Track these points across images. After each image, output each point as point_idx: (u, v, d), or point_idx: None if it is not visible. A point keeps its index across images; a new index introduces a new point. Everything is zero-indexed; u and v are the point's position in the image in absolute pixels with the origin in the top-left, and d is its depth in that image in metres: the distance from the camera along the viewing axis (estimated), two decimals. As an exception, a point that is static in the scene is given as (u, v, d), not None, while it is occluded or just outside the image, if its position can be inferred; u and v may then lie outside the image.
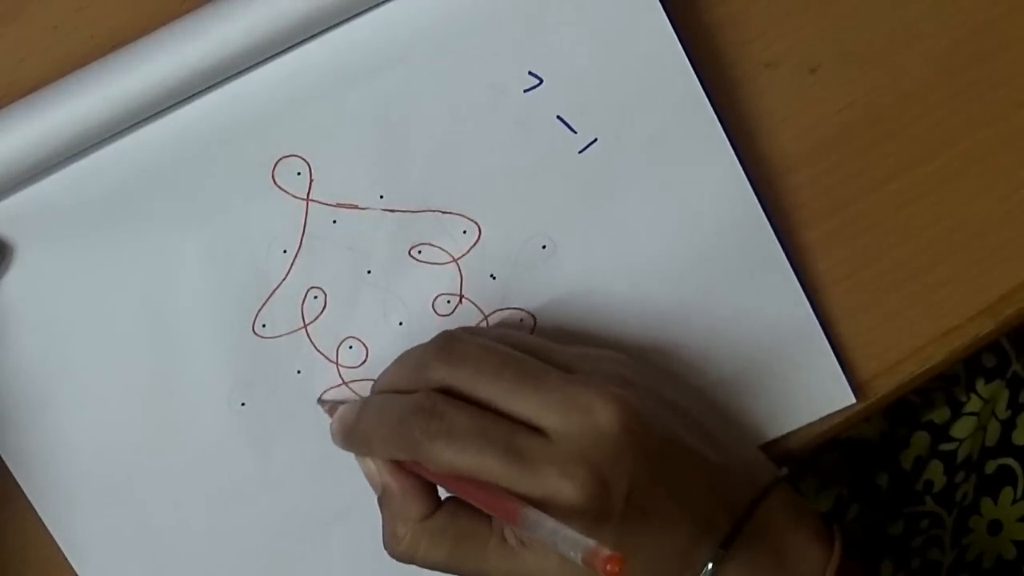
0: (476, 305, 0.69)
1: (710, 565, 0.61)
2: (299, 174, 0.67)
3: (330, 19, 0.65)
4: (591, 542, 0.53)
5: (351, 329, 0.69)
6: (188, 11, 0.64)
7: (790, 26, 0.69)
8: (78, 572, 0.69)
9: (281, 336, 0.69)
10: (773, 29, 0.69)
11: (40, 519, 0.69)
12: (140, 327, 0.68)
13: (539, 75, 0.67)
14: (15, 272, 0.67)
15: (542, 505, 0.58)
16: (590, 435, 0.60)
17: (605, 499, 0.59)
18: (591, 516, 0.59)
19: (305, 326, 0.69)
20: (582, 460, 0.60)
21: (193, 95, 0.66)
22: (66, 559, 0.69)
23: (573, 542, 0.54)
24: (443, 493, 0.65)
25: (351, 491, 0.70)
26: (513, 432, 0.61)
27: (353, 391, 0.69)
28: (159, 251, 0.68)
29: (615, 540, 0.60)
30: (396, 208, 0.68)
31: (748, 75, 0.69)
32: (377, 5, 0.66)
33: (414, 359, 0.66)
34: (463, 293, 0.69)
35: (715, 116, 0.67)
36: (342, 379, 0.69)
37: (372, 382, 0.69)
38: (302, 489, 0.70)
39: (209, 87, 0.66)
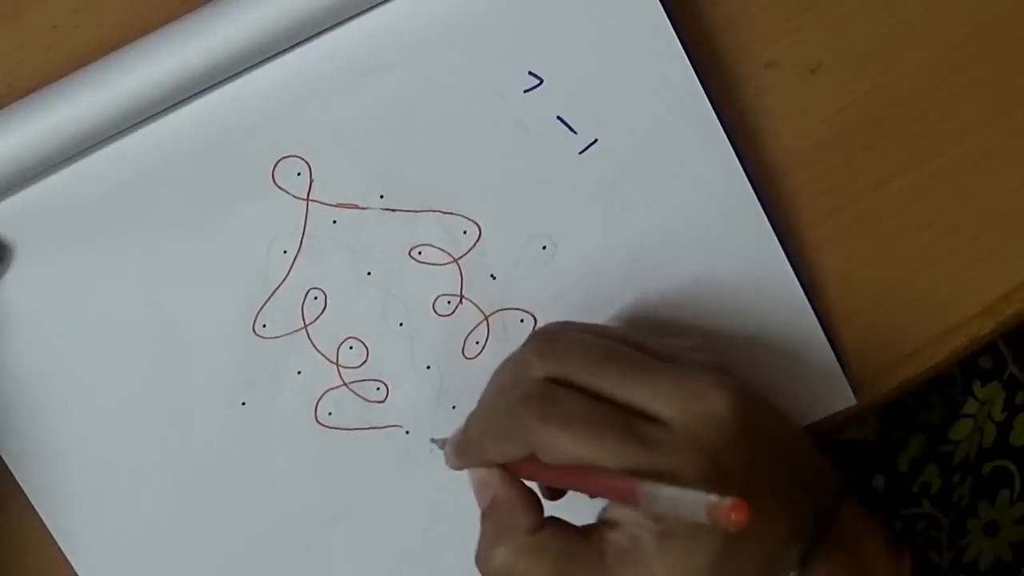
0: (476, 305, 0.69)
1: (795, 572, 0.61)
2: (299, 174, 0.67)
3: (330, 19, 0.65)
4: (713, 496, 0.51)
5: (351, 329, 0.69)
6: (188, 11, 0.64)
7: (790, 26, 0.69)
8: (78, 572, 0.69)
9: (281, 336, 0.69)
10: (773, 29, 0.69)
11: (40, 519, 0.69)
12: (140, 327, 0.68)
13: (539, 75, 0.67)
14: (15, 272, 0.67)
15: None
16: (706, 421, 0.59)
17: (722, 486, 0.57)
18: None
19: (305, 326, 0.69)
20: (699, 447, 0.58)
21: (193, 95, 0.66)
22: (66, 559, 0.69)
23: (696, 501, 0.52)
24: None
25: (351, 491, 0.70)
26: (630, 417, 0.59)
27: (353, 391, 0.69)
28: (159, 251, 0.68)
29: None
30: (396, 208, 0.68)
31: (748, 75, 0.69)
32: (377, 5, 0.66)
33: (512, 363, 0.64)
34: (463, 293, 0.69)
35: (715, 116, 0.67)
36: (342, 380, 0.69)
37: (373, 382, 0.69)
38: (302, 489, 0.70)
39: (209, 87, 0.66)
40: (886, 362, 0.71)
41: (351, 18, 0.66)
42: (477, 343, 0.69)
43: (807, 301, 0.70)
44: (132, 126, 0.66)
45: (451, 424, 0.69)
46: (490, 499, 0.62)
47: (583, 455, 0.58)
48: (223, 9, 0.64)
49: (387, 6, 0.66)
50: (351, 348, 0.69)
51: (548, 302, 0.69)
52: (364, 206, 0.68)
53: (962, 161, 0.70)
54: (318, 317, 0.69)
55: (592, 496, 0.60)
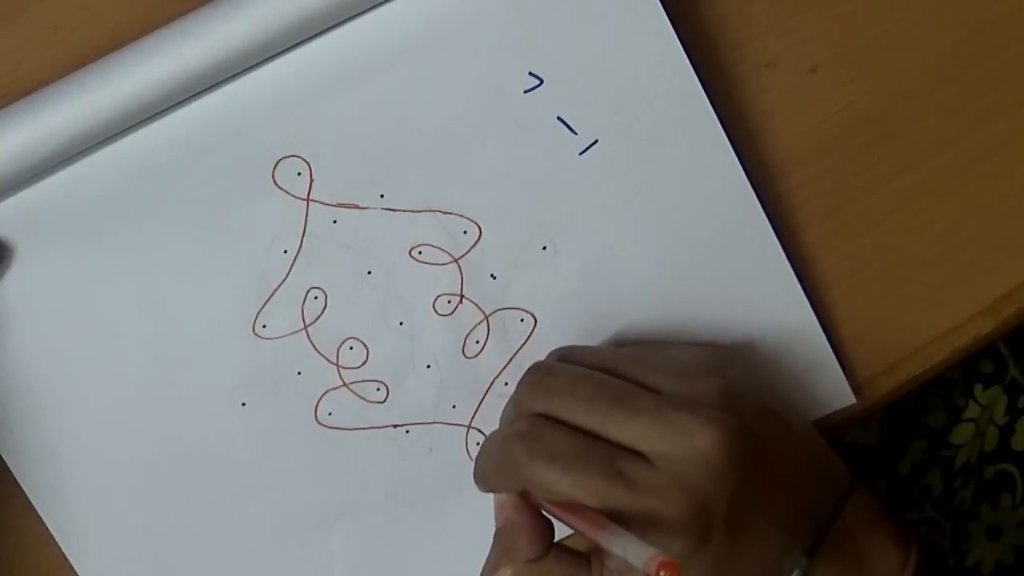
0: (477, 305, 0.69)
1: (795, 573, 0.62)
2: (299, 174, 0.67)
3: (330, 19, 0.65)
4: (651, 550, 0.53)
5: (351, 330, 0.69)
6: (188, 11, 0.64)
7: (790, 26, 0.69)
8: (78, 572, 0.69)
9: (281, 337, 0.69)
10: (773, 29, 0.69)
11: (40, 519, 0.69)
12: (140, 327, 0.68)
13: (539, 76, 0.67)
14: (15, 272, 0.67)
15: (643, 526, 0.59)
16: (691, 459, 0.60)
17: (705, 523, 0.60)
18: (692, 539, 0.59)
19: (306, 327, 0.69)
20: (683, 486, 0.60)
21: (193, 95, 0.66)
22: (66, 559, 0.69)
23: (638, 552, 0.54)
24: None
25: (351, 491, 0.70)
26: (614, 455, 0.61)
27: (353, 392, 0.69)
28: (159, 251, 0.68)
29: (713, 561, 0.60)
30: (396, 208, 0.68)
31: (748, 75, 0.69)
32: (377, 5, 0.66)
33: (512, 402, 0.66)
34: (463, 293, 0.69)
35: (715, 116, 0.67)
36: (342, 380, 0.69)
37: (373, 383, 0.69)
38: (302, 489, 0.70)
39: (209, 87, 0.66)
40: (886, 362, 0.71)
41: (351, 18, 0.66)
42: (477, 343, 0.69)
43: (807, 301, 0.70)
44: (132, 126, 0.66)
45: (450, 422, 0.69)
46: (503, 522, 0.64)
47: (569, 492, 0.60)
48: (223, 9, 0.64)
49: (387, 6, 0.66)
50: (351, 348, 0.69)
51: (548, 302, 0.69)
52: (364, 206, 0.68)
53: (962, 161, 0.70)
54: (318, 317, 0.69)
55: (576, 530, 0.61)
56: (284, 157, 0.67)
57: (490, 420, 0.70)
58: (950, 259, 0.71)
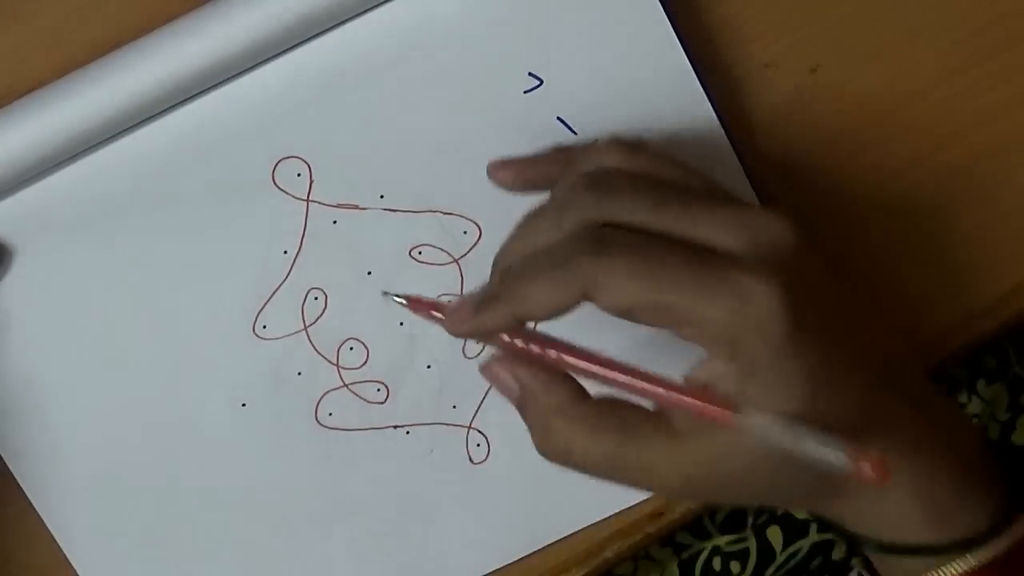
0: (477, 305, 0.69)
1: None
2: (299, 175, 0.67)
3: (330, 20, 0.65)
4: (847, 445, 0.48)
5: (351, 330, 0.69)
6: (188, 11, 0.64)
7: (790, 26, 0.69)
8: (78, 572, 0.70)
9: (282, 338, 0.69)
10: (773, 29, 0.69)
11: (40, 519, 0.69)
12: (140, 328, 0.68)
13: (539, 76, 0.67)
14: (15, 273, 0.67)
15: (733, 322, 0.52)
16: (773, 249, 0.53)
17: (800, 310, 0.52)
18: (791, 322, 0.52)
19: (306, 327, 0.69)
20: (772, 268, 0.52)
21: (193, 95, 0.66)
22: (66, 559, 0.69)
23: (823, 447, 0.49)
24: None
25: (351, 492, 0.70)
26: (695, 248, 0.53)
27: (354, 392, 0.69)
28: (159, 252, 0.68)
29: (816, 355, 0.53)
30: (396, 208, 0.68)
31: (748, 75, 0.69)
32: (377, 5, 0.66)
33: (555, 203, 0.57)
34: (464, 293, 0.69)
35: (715, 116, 0.67)
36: (342, 381, 0.69)
37: (373, 383, 0.69)
38: (302, 490, 0.70)
39: (209, 87, 0.66)
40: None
41: (351, 18, 0.66)
42: (478, 343, 0.69)
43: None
44: (132, 126, 0.66)
45: (450, 422, 0.69)
46: (518, 386, 0.57)
47: (647, 290, 0.52)
48: (223, 9, 0.64)
49: (387, 6, 0.66)
50: (351, 349, 0.69)
51: (548, 302, 0.69)
52: (364, 206, 0.68)
53: (962, 161, 0.70)
54: (318, 318, 0.69)
55: (664, 405, 0.55)
56: (284, 158, 0.67)
57: (490, 420, 0.70)
58: (950, 259, 0.71)
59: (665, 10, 0.66)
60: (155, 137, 0.66)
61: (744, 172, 0.68)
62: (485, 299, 0.56)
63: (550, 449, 0.56)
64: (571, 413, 0.55)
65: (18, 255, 0.67)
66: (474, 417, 0.70)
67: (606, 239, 0.53)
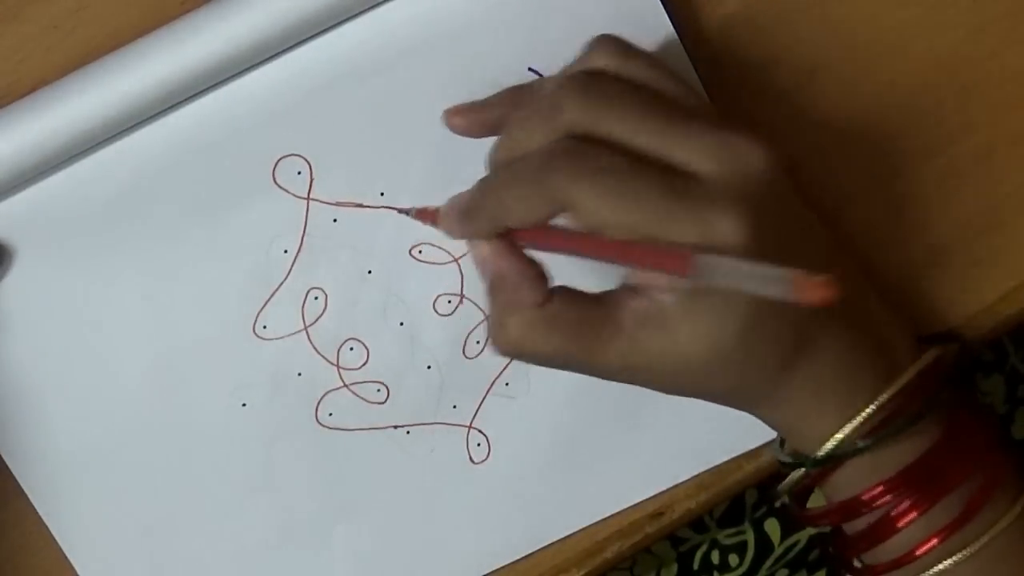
0: (477, 305, 0.69)
1: None
2: (299, 173, 0.67)
3: (330, 19, 0.65)
4: (794, 270, 0.49)
5: (352, 330, 0.69)
6: (188, 11, 0.64)
7: (790, 26, 0.69)
8: (78, 572, 0.70)
9: (282, 338, 0.69)
10: (773, 29, 0.69)
11: (40, 519, 0.69)
12: (140, 328, 0.68)
13: (540, 73, 0.67)
14: (15, 273, 0.67)
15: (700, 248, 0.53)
16: (744, 176, 0.55)
17: (763, 240, 0.54)
18: (752, 255, 0.54)
19: (306, 327, 0.69)
20: (740, 198, 0.54)
21: (193, 95, 0.66)
22: (66, 559, 0.69)
23: (768, 276, 0.50)
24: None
25: (351, 492, 0.70)
26: (665, 171, 0.55)
27: (354, 392, 0.69)
28: (159, 252, 0.68)
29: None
30: (397, 207, 0.68)
31: (748, 75, 0.69)
32: (377, 5, 0.66)
33: (545, 103, 0.57)
34: (464, 293, 0.69)
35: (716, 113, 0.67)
36: (343, 381, 0.69)
37: (373, 383, 0.69)
38: (302, 490, 0.70)
39: (209, 87, 0.66)
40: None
41: (351, 18, 0.66)
42: (478, 343, 0.70)
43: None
44: (132, 126, 0.66)
45: (450, 422, 0.69)
46: (493, 274, 0.59)
47: (618, 214, 0.54)
48: (223, 9, 0.64)
49: (387, 6, 0.66)
50: (351, 349, 0.69)
51: (548, 302, 0.69)
52: (365, 205, 0.68)
53: (962, 161, 0.70)
54: (318, 318, 0.69)
55: (622, 263, 0.57)
56: (284, 156, 0.67)
57: (491, 421, 0.70)
58: (950, 259, 0.71)
59: (666, 10, 0.66)
60: (155, 137, 0.66)
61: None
62: (470, 206, 0.59)
63: (502, 343, 0.59)
64: (530, 314, 0.58)
65: (18, 255, 0.67)
66: (474, 417, 0.70)
67: (586, 158, 0.55)
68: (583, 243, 0.56)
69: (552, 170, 0.55)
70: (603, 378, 0.59)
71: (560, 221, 0.56)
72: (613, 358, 0.58)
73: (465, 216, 0.59)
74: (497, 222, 0.57)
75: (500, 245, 0.58)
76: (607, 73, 0.58)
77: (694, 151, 0.55)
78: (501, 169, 0.58)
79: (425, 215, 0.62)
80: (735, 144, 0.55)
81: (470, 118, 0.62)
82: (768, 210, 0.55)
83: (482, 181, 0.59)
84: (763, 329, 0.57)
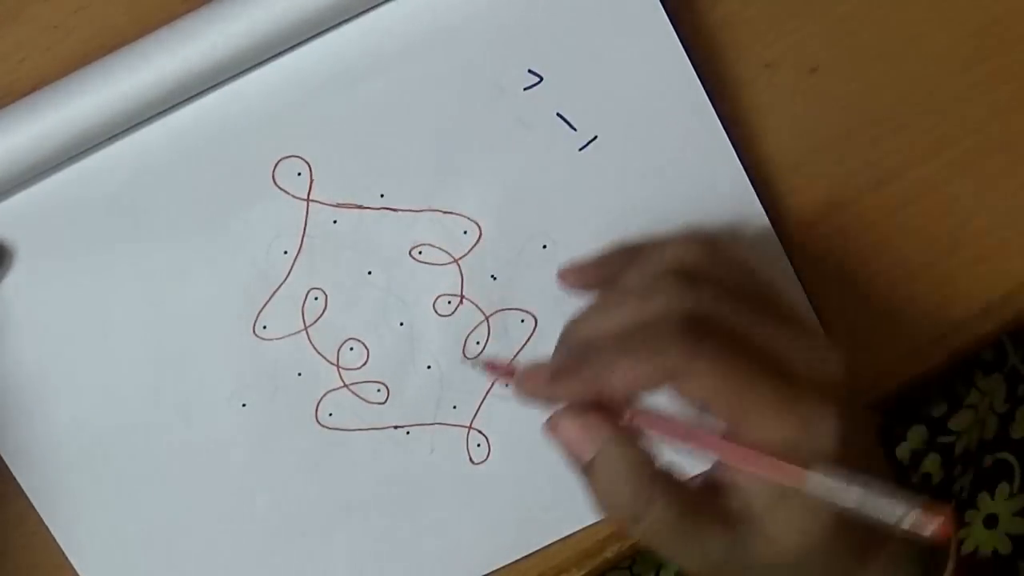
0: (477, 306, 0.69)
1: None
2: (299, 174, 0.67)
3: (330, 19, 0.65)
4: (915, 503, 0.50)
5: (351, 330, 0.69)
6: (188, 11, 0.64)
7: (790, 26, 0.69)
8: (78, 572, 0.70)
9: (282, 338, 0.69)
10: (773, 29, 0.69)
11: (41, 519, 0.69)
12: (141, 328, 0.68)
13: (539, 73, 0.67)
14: (15, 273, 0.67)
15: (796, 445, 0.54)
16: (835, 383, 0.56)
17: (850, 444, 0.55)
18: (842, 444, 0.55)
19: (306, 328, 0.69)
20: (837, 401, 0.55)
21: (193, 95, 0.66)
22: (67, 559, 0.69)
23: (888, 505, 0.51)
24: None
25: (351, 492, 0.70)
26: (773, 362, 0.55)
27: (354, 392, 0.69)
28: (159, 252, 0.68)
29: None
30: (397, 208, 0.68)
31: (748, 75, 0.69)
32: (377, 5, 0.66)
33: (639, 289, 0.58)
34: (464, 294, 0.69)
35: (715, 116, 0.67)
36: (343, 381, 0.69)
37: (373, 384, 0.69)
38: (302, 490, 0.70)
39: (209, 87, 0.66)
40: (886, 362, 0.71)
41: (351, 18, 0.66)
42: (478, 343, 0.70)
43: (807, 300, 0.70)
44: (132, 126, 0.66)
45: (450, 423, 0.69)
46: (598, 448, 0.56)
47: (729, 392, 0.54)
48: (223, 9, 0.64)
49: (387, 6, 0.66)
50: (351, 349, 0.69)
51: (549, 302, 0.69)
52: (365, 206, 0.68)
53: (962, 162, 0.70)
54: (318, 318, 0.69)
55: (731, 464, 0.56)
56: (284, 157, 0.67)
57: (491, 421, 0.70)
58: (950, 259, 0.71)
59: (665, 10, 0.66)
60: (155, 137, 0.66)
61: (744, 171, 0.68)
62: (563, 368, 0.57)
63: (622, 512, 0.57)
64: (644, 475, 0.56)
65: (18, 255, 0.67)
66: (474, 417, 0.70)
67: (702, 330, 0.54)
68: (697, 437, 0.56)
69: (672, 337, 0.54)
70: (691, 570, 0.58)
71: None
72: (718, 550, 0.56)
73: (558, 376, 0.57)
74: (598, 385, 0.56)
75: (606, 422, 0.56)
76: (698, 266, 0.58)
77: (791, 347, 0.56)
78: (611, 337, 0.56)
79: (496, 369, 0.63)
80: (824, 347, 0.57)
81: (586, 276, 0.64)
82: (854, 415, 0.56)
83: (568, 345, 0.58)
84: (841, 542, 0.56)
